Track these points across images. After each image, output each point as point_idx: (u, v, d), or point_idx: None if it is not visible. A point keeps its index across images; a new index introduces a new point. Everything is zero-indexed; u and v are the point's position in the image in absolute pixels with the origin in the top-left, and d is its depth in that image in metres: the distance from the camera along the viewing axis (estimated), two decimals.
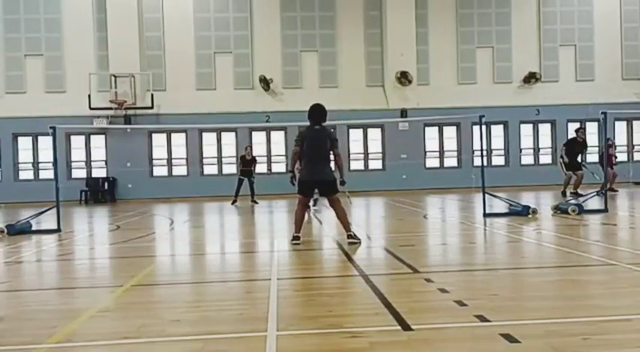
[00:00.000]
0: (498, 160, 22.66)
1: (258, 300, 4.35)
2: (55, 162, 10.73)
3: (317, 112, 7.49)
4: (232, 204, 16.78)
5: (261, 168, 20.99)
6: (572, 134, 22.56)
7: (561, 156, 15.15)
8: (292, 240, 7.49)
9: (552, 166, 22.50)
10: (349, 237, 7.35)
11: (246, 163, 17.27)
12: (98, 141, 21.73)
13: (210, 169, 22.04)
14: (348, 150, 22.29)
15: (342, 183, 7.53)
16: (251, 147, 18.26)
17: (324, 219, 11.02)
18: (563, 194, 14.69)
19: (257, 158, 18.00)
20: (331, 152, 7.49)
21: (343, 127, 21.62)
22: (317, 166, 7.37)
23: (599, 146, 22.16)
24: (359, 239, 7.40)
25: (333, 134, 7.61)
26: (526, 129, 22.78)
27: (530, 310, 3.85)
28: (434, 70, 22.32)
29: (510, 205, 10.71)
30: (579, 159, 14.81)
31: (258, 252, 7.13)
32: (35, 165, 21.60)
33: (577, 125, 22.70)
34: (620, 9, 22.87)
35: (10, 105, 20.99)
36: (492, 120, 19.89)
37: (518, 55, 22.48)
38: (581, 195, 12.73)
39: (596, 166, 15.65)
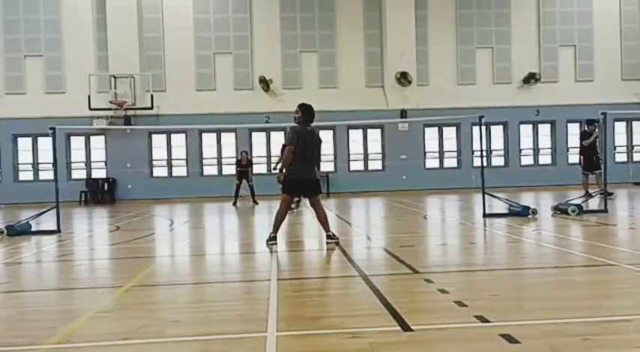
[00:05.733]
0: (498, 161, 22.67)
1: (258, 301, 4.34)
2: (54, 163, 10.73)
3: (312, 112, 7.51)
4: (233, 205, 16.85)
5: (261, 168, 21.02)
6: (572, 133, 22.74)
7: (581, 155, 14.33)
8: (269, 240, 7.36)
9: (552, 167, 22.56)
10: (328, 237, 7.33)
11: (243, 167, 17.32)
12: (98, 142, 21.74)
13: (209, 170, 22.05)
14: (348, 151, 22.30)
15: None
16: (247, 152, 18.20)
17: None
18: (588, 195, 13.47)
19: (254, 160, 18.05)
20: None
21: (343, 128, 21.64)
22: (308, 166, 7.40)
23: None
24: (337, 238, 7.39)
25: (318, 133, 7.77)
26: (526, 130, 22.80)
27: (530, 310, 3.85)
28: (434, 71, 22.33)
29: (510, 206, 10.71)
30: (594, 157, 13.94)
31: (258, 253, 7.12)
32: (35, 166, 21.60)
33: (577, 125, 22.80)
34: (619, 9, 22.89)
35: (10, 106, 21.00)
36: (492, 120, 19.87)
37: (518, 56, 22.50)
38: (612, 194, 12.41)
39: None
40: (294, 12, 22.12)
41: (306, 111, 7.47)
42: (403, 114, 21.36)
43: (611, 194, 12.44)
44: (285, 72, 22.02)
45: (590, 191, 13.64)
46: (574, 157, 22.73)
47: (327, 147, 22.30)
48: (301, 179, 7.35)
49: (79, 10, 21.46)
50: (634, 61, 22.84)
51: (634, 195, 16.22)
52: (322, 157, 24.55)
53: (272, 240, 7.38)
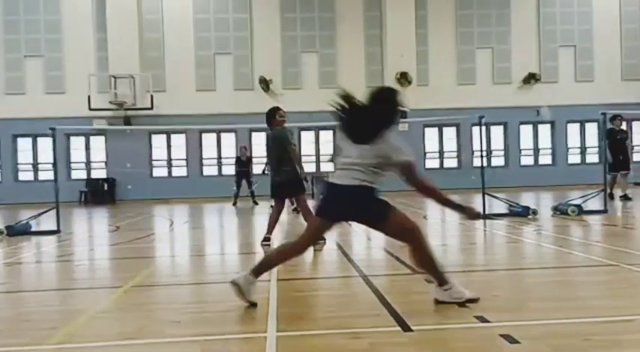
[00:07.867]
0: (498, 161, 22.66)
1: (258, 301, 4.34)
2: (54, 163, 10.74)
3: (267, 116, 7.53)
4: (233, 205, 16.84)
5: (261, 168, 20.98)
6: (572, 133, 22.73)
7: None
8: (263, 241, 7.44)
9: (552, 167, 22.57)
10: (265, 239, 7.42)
11: (243, 164, 17.23)
12: (98, 142, 21.74)
13: (209, 170, 22.05)
14: None
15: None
16: (246, 147, 18.17)
17: None
18: (611, 196, 13.03)
19: (253, 158, 18.00)
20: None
21: None
22: (275, 169, 7.47)
23: (598, 146, 22.17)
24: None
25: (282, 133, 7.44)
26: (526, 130, 22.79)
27: (530, 311, 3.85)
28: (433, 71, 22.32)
29: (510, 206, 10.71)
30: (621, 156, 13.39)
31: (258, 253, 7.12)
32: (35, 166, 21.60)
33: (577, 126, 22.80)
34: (619, 10, 22.88)
35: (10, 106, 20.99)
36: (492, 121, 19.87)
37: (518, 56, 22.49)
38: (630, 199, 12.35)
39: None
40: (295, 12, 22.11)
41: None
42: (403, 114, 21.32)
43: (630, 199, 12.45)
44: (285, 72, 22.01)
45: (615, 192, 13.34)
46: (574, 157, 22.80)
47: (327, 148, 22.32)
48: (272, 183, 7.56)
49: (79, 10, 21.45)
50: (634, 62, 22.83)
51: (634, 196, 16.20)
52: (322, 158, 24.37)
53: (265, 241, 7.43)
